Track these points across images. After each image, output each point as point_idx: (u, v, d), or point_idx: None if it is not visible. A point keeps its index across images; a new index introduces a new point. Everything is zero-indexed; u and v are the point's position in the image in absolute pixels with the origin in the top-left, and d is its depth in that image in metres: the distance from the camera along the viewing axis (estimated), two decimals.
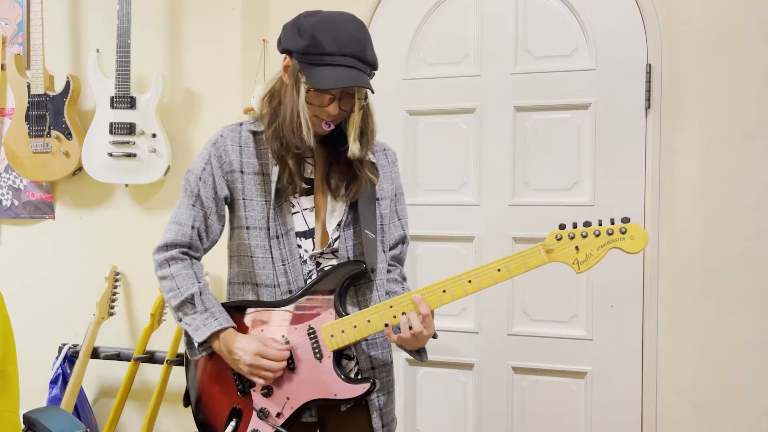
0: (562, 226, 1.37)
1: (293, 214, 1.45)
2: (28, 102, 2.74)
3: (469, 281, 1.38)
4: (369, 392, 1.40)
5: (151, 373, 2.73)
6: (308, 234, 1.46)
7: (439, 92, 2.30)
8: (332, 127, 1.41)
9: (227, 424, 1.43)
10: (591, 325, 2.16)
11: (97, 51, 2.69)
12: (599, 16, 2.13)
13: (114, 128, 2.62)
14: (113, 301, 2.72)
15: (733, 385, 2.03)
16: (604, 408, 2.15)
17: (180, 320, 1.44)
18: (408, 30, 2.32)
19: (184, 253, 1.46)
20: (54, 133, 2.72)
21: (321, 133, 1.43)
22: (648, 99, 2.08)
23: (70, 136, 2.72)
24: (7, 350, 1.26)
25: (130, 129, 2.62)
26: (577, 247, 1.36)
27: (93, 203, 2.85)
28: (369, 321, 1.39)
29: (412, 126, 2.34)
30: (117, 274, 2.77)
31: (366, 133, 1.43)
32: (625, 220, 1.34)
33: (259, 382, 1.39)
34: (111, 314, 2.70)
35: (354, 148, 1.40)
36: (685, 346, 2.06)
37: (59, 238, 2.89)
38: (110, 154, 2.63)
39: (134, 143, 2.62)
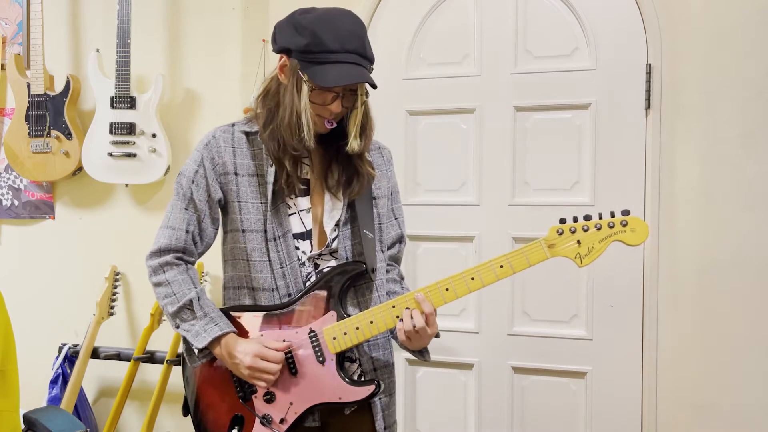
0: (562, 221, 1.37)
1: (290, 215, 1.43)
2: (28, 102, 2.74)
3: (472, 278, 1.37)
4: (374, 394, 1.38)
5: (151, 373, 2.73)
6: (306, 235, 1.44)
7: (439, 92, 2.30)
8: (334, 125, 1.40)
9: (229, 431, 1.41)
10: (591, 325, 2.16)
11: (97, 51, 2.69)
12: (599, 16, 2.13)
13: (114, 128, 2.62)
14: (113, 301, 2.72)
15: (733, 385, 2.03)
16: (604, 408, 2.15)
17: (177, 327, 1.40)
18: (408, 30, 2.32)
19: (178, 258, 1.42)
20: (54, 133, 2.73)
21: (322, 132, 1.41)
22: (648, 99, 2.08)
23: (70, 136, 2.72)
24: (7, 350, 1.26)
25: (130, 129, 2.62)
26: (578, 241, 1.35)
27: (93, 203, 2.85)
28: (372, 322, 1.38)
29: (412, 126, 2.34)
30: (117, 274, 2.77)
31: (366, 129, 1.42)
32: (626, 212, 1.34)
33: (260, 385, 1.37)
34: (111, 314, 2.70)
35: (354, 144, 1.39)
36: (685, 346, 2.06)
37: (59, 238, 2.89)
38: (110, 154, 2.63)
39: (134, 143, 2.62)
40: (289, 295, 1.41)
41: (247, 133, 1.46)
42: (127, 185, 2.77)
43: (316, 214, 1.45)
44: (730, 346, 2.03)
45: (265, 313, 1.42)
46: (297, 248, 1.43)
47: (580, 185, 2.17)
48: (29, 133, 2.74)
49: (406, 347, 1.44)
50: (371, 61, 1.37)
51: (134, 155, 2.62)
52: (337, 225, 1.45)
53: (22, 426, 2.10)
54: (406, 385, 2.35)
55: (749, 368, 2.01)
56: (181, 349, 1.50)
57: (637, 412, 2.12)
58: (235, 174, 1.43)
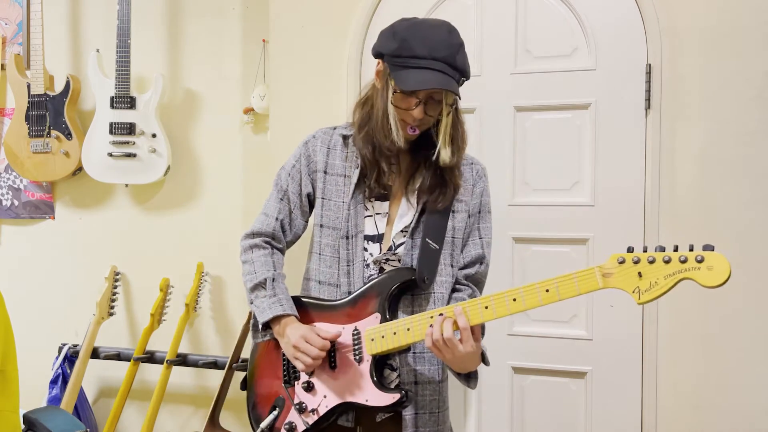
0: (629, 249, 1.23)
1: (366, 217, 1.48)
2: (28, 102, 2.74)
3: (514, 299, 1.30)
4: (398, 404, 1.37)
5: (151, 373, 2.73)
6: (377, 239, 1.47)
7: None
8: (417, 132, 1.41)
9: (270, 411, 1.46)
10: (591, 325, 2.16)
11: (97, 51, 2.69)
12: (599, 16, 2.13)
13: (114, 128, 2.62)
14: (113, 301, 2.72)
15: (733, 386, 2.03)
16: (604, 408, 2.15)
17: (251, 302, 1.49)
18: None
19: (266, 242, 1.53)
20: (54, 133, 2.73)
21: (407, 138, 1.42)
22: (648, 99, 2.08)
23: (70, 136, 2.72)
24: (7, 350, 1.26)
25: (130, 129, 2.62)
26: (640, 274, 1.20)
27: (93, 203, 2.85)
28: (408, 329, 1.36)
29: None
30: (117, 274, 2.77)
31: (456, 140, 1.43)
32: (708, 247, 1.17)
33: (299, 366, 1.40)
34: (111, 314, 2.70)
35: (444, 154, 1.40)
36: (685, 346, 2.06)
37: (59, 238, 2.89)
38: (110, 154, 2.63)
39: (134, 143, 2.62)
40: (349, 293, 1.46)
41: (344, 137, 1.52)
42: (127, 185, 2.77)
43: (391, 220, 1.49)
44: (730, 346, 2.03)
45: (323, 306, 1.47)
46: (365, 249, 1.47)
47: (580, 185, 2.17)
48: (29, 133, 2.74)
49: (449, 367, 1.42)
50: (462, 72, 1.37)
51: (134, 155, 2.62)
52: (405, 231, 1.47)
53: (22, 426, 2.10)
54: None
55: (749, 368, 2.01)
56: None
57: (637, 412, 2.12)
58: (324, 173, 1.50)
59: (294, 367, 1.46)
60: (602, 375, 2.15)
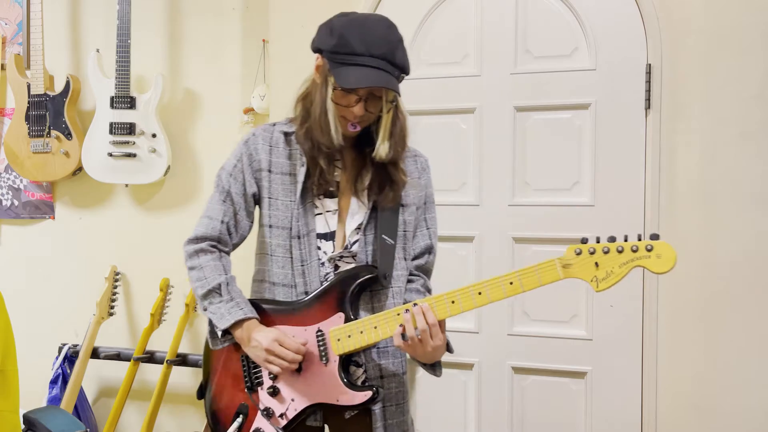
0: (584, 240, 1.29)
1: (316, 215, 1.46)
2: (28, 102, 2.74)
3: (479, 293, 1.33)
4: (371, 401, 1.38)
5: (151, 373, 2.73)
6: (329, 236, 1.46)
7: (439, 92, 2.29)
8: (358, 128, 1.41)
9: (234, 419, 1.44)
10: (591, 325, 2.16)
11: (97, 51, 2.69)
12: (599, 16, 2.13)
13: (114, 128, 2.62)
14: (113, 301, 2.72)
15: (733, 386, 2.03)
16: (604, 408, 2.15)
17: (205, 309, 1.45)
18: (408, 30, 2.32)
19: (213, 246, 1.48)
20: (54, 133, 2.73)
21: (347, 135, 1.42)
22: (648, 99, 2.08)
23: (70, 136, 2.72)
24: (7, 350, 1.26)
25: (130, 129, 2.62)
26: (597, 264, 1.27)
27: (93, 203, 2.85)
28: (376, 327, 1.37)
29: (412, 126, 2.32)
30: (117, 274, 2.77)
31: (395, 136, 1.42)
32: (654, 237, 1.26)
33: (273, 369, 1.38)
34: (111, 314, 2.70)
35: (381, 150, 1.40)
36: (685, 346, 2.06)
37: (59, 238, 2.89)
38: (110, 154, 2.63)
39: (134, 143, 2.62)
40: (306, 293, 1.44)
41: (285, 133, 1.50)
42: (127, 185, 2.77)
43: (342, 217, 1.47)
44: (730, 346, 2.03)
45: (280, 308, 1.45)
46: (319, 248, 1.45)
47: (580, 185, 2.17)
48: (29, 133, 2.74)
49: (414, 358, 1.43)
50: (401, 69, 1.37)
51: (134, 155, 2.62)
52: (358, 228, 1.46)
53: (22, 426, 2.10)
54: None
55: (749, 368, 2.01)
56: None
57: (637, 412, 2.11)
58: (269, 171, 1.47)
59: (256, 372, 1.44)
60: (602, 375, 2.15)
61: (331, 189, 1.46)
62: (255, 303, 1.46)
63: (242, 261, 1.65)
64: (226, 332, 1.42)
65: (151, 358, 2.63)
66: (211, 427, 1.51)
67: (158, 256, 2.75)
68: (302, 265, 1.44)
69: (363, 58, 1.32)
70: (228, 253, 1.52)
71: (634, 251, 1.26)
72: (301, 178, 1.44)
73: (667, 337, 2.07)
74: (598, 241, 1.29)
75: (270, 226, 1.47)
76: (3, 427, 1.25)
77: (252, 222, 1.53)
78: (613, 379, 2.13)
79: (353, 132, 1.41)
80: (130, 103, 2.62)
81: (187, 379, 2.74)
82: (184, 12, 2.73)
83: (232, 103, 2.67)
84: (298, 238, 1.44)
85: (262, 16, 2.57)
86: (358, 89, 1.35)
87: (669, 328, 2.07)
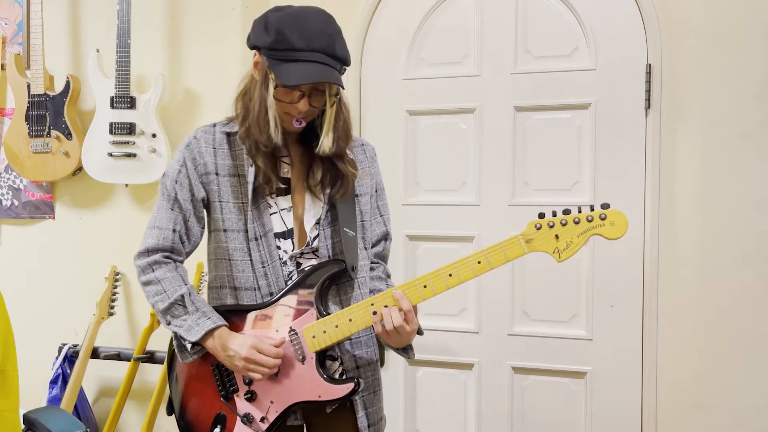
0: (541, 215, 1.35)
1: (271, 215, 1.43)
2: (28, 102, 2.74)
3: (450, 275, 1.36)
4: (353, 392, 1.38)
5: (151, 373, 2.73)
6: (287, 234, 1.44)
7: (439, 92, 2.29)
8: (303, 124, 1.39)
9: (212, 430, 1.42)
10: (591, 325, 2.16)
11: (97, 51, 2.69)
12: (599, 16, 2.13)
13: (114, 128, 2.62)
14: (113, 301, 2.72)
15: (733, 385, 2.03)
16: (604, 408, 2.15)
17: (169, 323, 1.41)
18: (408, 30, 2.32)
19: (167, 257, 1.44)
20: (54, 133, 2.72)
21: (293, 131, 1.41)
22: (648, 99, 2.08)
23: (70, 136, 2.72)
24: (7, 350, 1.26)
25: (130, 129, 2.62)
26: (557, 236, 1.33)
27: (93, 203, 2.85)
28: (351, 320, 1.37)
29: (412, 126, 2.34)
30: (117, 274, 2.77)
31: (338, 130, 1.40)
32: (605, 206, 1.32)
33: (255, 377, 1.36)
34: (111, 314, 2.70)
35: (324, 144, 1.38)
36: (685, 346, 2.06)
37: (59, 238, 2.89)
38: (110, 154, 2.63)
39: (134, 143, 2.62)
40: (271, 294, 1.42)
41: (227, 134, 1.46)
42: (127, 185, 2.77)
43: (297, 214, 1.45)
44: (730, 346, 2.03)
45: (246, 312, 1.42)
46: (278, 247, 1.43)
47: (580, 185, 2.17)
48: (29, 133, 2.74)
49: (388, 344, 1.44)
50: (342, 61, 1.35)
51: (134, 155, 2.62)
52: (317, 224, 1.45)
53: (22, 426, 2.10)
54: (405, 385, 2.35)
55: (749, 368, 2.01)
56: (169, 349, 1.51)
57: (637, 412, 2.12)
58: (216, 174, 1.43)
59: (230, 379, 1.42)
60: (602, 375, 2.15)
61: (282, 186, 1.44)
62: (220, 310, 1.43)
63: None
64: (196, 344, 1.38)
65: (151, 358, 2.63)
66: None
67: None
68: (263, 267, 1.42)
69: (303, 53, 1.30)
70: (182, 263, 1.48)
71: (590, 221, 1.32)
72: (250, 178, 1.41)
73: (667, 337, 2.07)
74: (554, 215, 1.34)
75: (225, 230, 1.43)
76: (3, 427, 1.25)
77: (203, 228, 1.48)
78: (613, 379, 2.13)
79: (298, 128, 1.39)
80: (130, 103, 2.62)
81: None
82: (184, 12, 2.73)
83: (232, 103, 2.67)
84: (256, 239, 1.41)
85: None
86: (301, 85, 1.32)
87: (669, 328, 2.07)
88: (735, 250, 2.02)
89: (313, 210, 1.45)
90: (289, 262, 1.44)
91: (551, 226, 1.33)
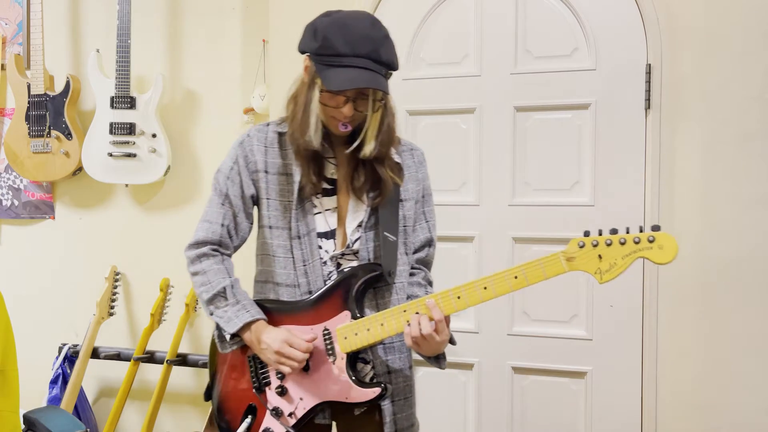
0: (586, 233, 1.30)
1: (315, 214, 1.46)
2: (28, 102, 2.74)
3: (485, 288, 1.34)
4: (380, 397, 1.39)
5: (151, 373, 2.73)
6: (329, 235, 1.46)
7: (439, 92, 2.30)
8: (349, 128, 1.40)
9: (242, 420, 1.44)
10: (591, 325, 2.16)
11: (97, 51, 2.69)
12: (599, 16, 2.13)
13: (114, 128, 2.62)
14: (113, 301, 2.72)
15: (733, 386, 2.03)
16: (604, 408, 2.15)
17: (212, 314, 1.45)
18: (408, 30, 2.32)
19: (214, 250, 1.48)
20: (54, 133, 2.73)
21: (338, 135, 1.43)
22: (648, 99, 2.08)
23: (70, 136, 2.72)
24: (7, 350, 1.26)
25: (130, 129, 2.62)
26: (600, 256, 1.29)
27: (93, 203, 2.85)
28: (383, 324, 1.38)
29: (412, 126, 2.34)
30: (117, 274, 2.77)
31: (381, 134, 1.41)
32: (655, 228, 1.28)
33: (285, 370, 1.38)
34: (111, 314, 2.70)
35: (366, 149, 1.40)
36: (685, 346, 2.06)
37: (59, 238, 2.90)
38: (110, 154, 2.63)
39: (134, 143, 2.62)
40: (310, 292, 1.44)
41: (279, 133, 1.49)
42: (127, 185, 2.77)
43: (342, 215, 1.47)
44: (730, 346, 2.03)
45: (285, 308, 1.45)
46: (320, 247, 1.45)
47: (580, 185, 2.17)
48: (29, 133, 2.74)
49: (418, 352, 1.43)
50: (388, 66, 1.36)
51: (134, 155, 2.62)
52: (359, 226, 1.46)
53: (22, 426, 2.10)
54: None
55: (749, 368, 2.01)
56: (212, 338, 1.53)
57: (637, 412, 2.12)
58: (265, 172, 1.47)
59: (264, 372, 1.45)
60: (602, 375, 2.15)
61: (328, 187, 1.46)
62: (260, 303, 1.46)
63: (243, 261, 1.65)
64: (235, 335, 1.42)
65: (151, 358, 2.63)
66: (219, 427, 1.51)
67: (158, 256, 2.75)
68: (304, 265, 1.44)
69: (348, 58, 1.31)
70: (230, 256, 1.52)
71: (636, 243, 1.28)
72: (297, 177, 1.44)
73: (667, 337, 2.07)
74: (600, 234, 1.30)
75: (270, 227, 1.47)
76: (3, 427, 1.25)
77: (252, 223, 1.53)
78: (613, 379, 2.14)
79: (345, 132, 1.41)
80: (130, 103, 2.62)
81: (188, 379, 2.74)
82: (184, 12, 2.73)
83: (232, 103, 2.67)
84: (299, 238, 1.44)
85: (262, 16, 2.57)
86: (346, 90, 1.34)
87: (669, 328, 2.07)
88: (735, 250, 2.02)
89: (356, 212, 1.47)
90: (329, 262, 1.45)
91: (595, 245, 1.29)
